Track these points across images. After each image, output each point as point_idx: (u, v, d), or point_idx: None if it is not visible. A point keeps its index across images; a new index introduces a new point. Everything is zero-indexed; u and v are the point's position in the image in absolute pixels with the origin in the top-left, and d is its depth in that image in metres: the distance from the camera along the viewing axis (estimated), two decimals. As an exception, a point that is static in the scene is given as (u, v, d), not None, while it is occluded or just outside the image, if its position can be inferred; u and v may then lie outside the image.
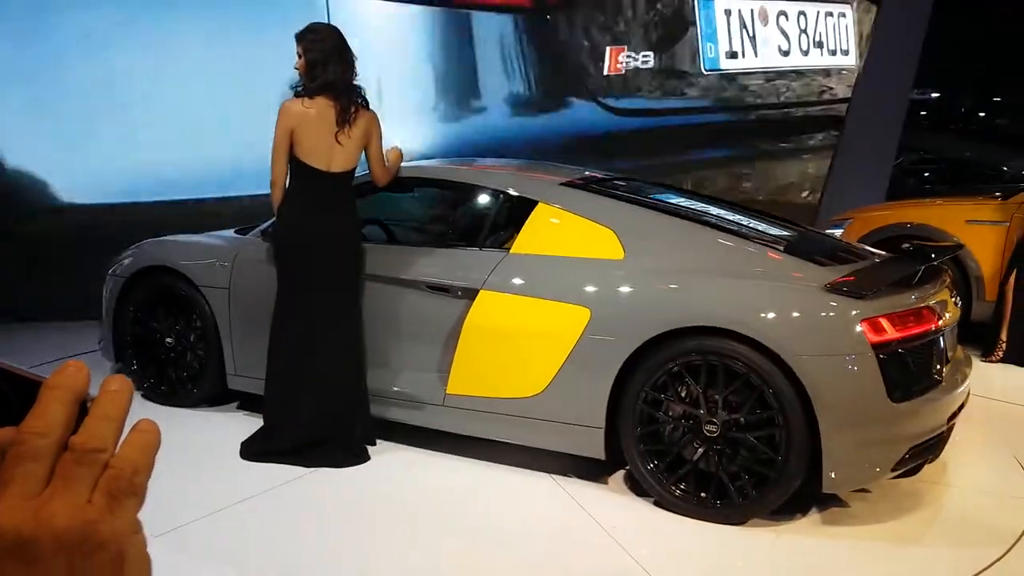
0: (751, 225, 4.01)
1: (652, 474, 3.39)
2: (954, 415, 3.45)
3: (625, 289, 3.50)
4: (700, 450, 3.32)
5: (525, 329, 3.62)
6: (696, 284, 3.41)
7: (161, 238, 4.75)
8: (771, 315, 3.22)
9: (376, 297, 3.96)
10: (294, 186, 3.82)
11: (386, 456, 3.93)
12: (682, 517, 3.33)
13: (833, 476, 3.15)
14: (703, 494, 3.32)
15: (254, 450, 3.86)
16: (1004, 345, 5.92)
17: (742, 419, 3.25)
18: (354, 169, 3.84)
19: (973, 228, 6.11)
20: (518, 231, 3.84)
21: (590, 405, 3.48)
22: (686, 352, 3.31)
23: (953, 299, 3.73)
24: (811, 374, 3.11)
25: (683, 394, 3.36)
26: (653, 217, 3.75)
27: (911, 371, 3.21)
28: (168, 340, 4.56)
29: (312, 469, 3.73)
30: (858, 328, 3.11)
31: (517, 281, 3.68)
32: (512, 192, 3.96)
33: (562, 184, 3.95)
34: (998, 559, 3.11)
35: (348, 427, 3.86)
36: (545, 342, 3.56)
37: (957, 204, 6.38)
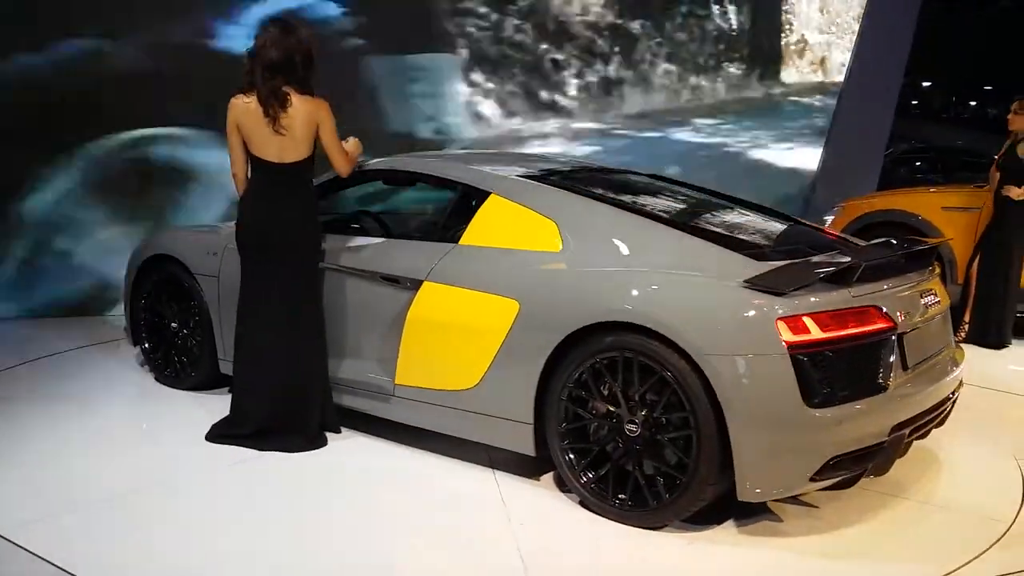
0: (715, 219, 3.81)
1: (573, 472, 3.29)
2: (907, 424, 3.16)
3: (553, 282, 3.38)
4: (620, 449, 3.19)
5: (461, 321, 3.57)
6: (616, 278, 3.25)
7: (169, 228, 4.98)
8: (682, 311, 3.03)
9: (336, 287, 4.00)
10: (252, 179, 3.89)
11: (344, 442, 3.96)
12: (600, 519, 3.20)
13: (747, 484, 2.95)
14: (621, 495, 3.19)
15: (218, 432, 3.97)
16: (966, 326, 6.26)
17: (660, 419, 3.11)
18: (308, 159, 3.85)
19: (948, 214, 6.41)
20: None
21: (519, 400, 3.39)
22: (606, 348, 3.18)
23: (926, 299, 3.42)
24: (721, 374, 2.91)
25: (606, 392, 3.24)
26: (602, 210, 3.59)
27: (839, 375, 2.95)
28: (173, 325, 4.79)
29: (262, 453, 3.82)
30: (772, 327, 2.90)
31: (457, 273, 3.62)
32: (468, 183, 3.91)
33: (520, 176, 3.88)
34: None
35: (305, 413, 3.91)
36: (479, 334, 3.49)
37: (936, 192, 6.58)
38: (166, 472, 3.64)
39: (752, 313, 2.94)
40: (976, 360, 5.41)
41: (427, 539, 3.08)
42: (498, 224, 3.70)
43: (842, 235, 4.16)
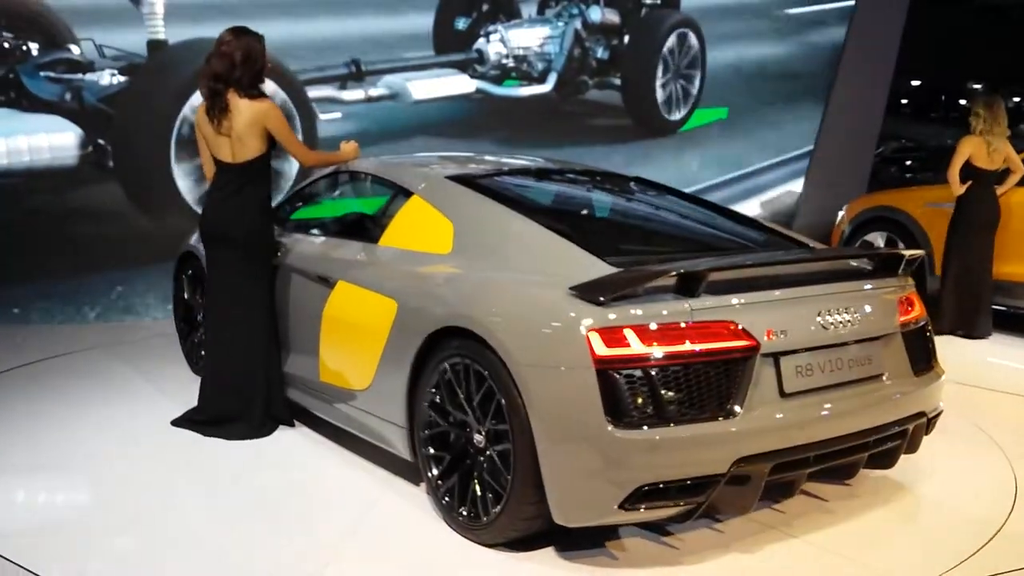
0: (625, 221, 3.55)
1: (430, 480, 3.19)
2: (769, 458, 2.76)
3: (423, 284, 3.29)
4: (470, 460, 3.05)
5: (358, 321, 3.57)
6: (463, 281, 3.12)
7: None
8: (503, 318, 2.85)
9: (286, 284, 4.13)
10: (213, 177, 4.13)
11: (286, 435, 4.08)
12: (456, 534, 3.09)
13: (556, 507, 2.73)
14: (462, 508, 3.05)
15: (181, 418, 4.23)
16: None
17: (493, 431, 2.93)
18: (259, 158, 3.99)
19: (930, 210, 6.77)
20: None
21: (395, 402, 3.34)
22: (453, 353, 3.07)
23: (840, 315, 2.96)
24: (530, 386, 2.71)
25: (457, 399, 3.11)
26: (500, 213, 3.41)
27: (661, 396, 2.64)
28: (199, 318, 5.15)
29: (204, 438, 4.02)
30: (583, 339, 2.66)
31: (362, 273, 3.63)
32: (399, 184, 3.89)
33: (447, 176, 3.80)
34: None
35: (249, 403, 4.07)
36: (370, 335, 3.47)
37: (921, 190, 6.86)
38: (109, 453, 3.94)
39: (565, 323, 2.71)
40: (955, 353, 5.69)
41: (260, 533, 3.12)
42: (412, 225, 3.66)
43: (799, 238, 3.68)
